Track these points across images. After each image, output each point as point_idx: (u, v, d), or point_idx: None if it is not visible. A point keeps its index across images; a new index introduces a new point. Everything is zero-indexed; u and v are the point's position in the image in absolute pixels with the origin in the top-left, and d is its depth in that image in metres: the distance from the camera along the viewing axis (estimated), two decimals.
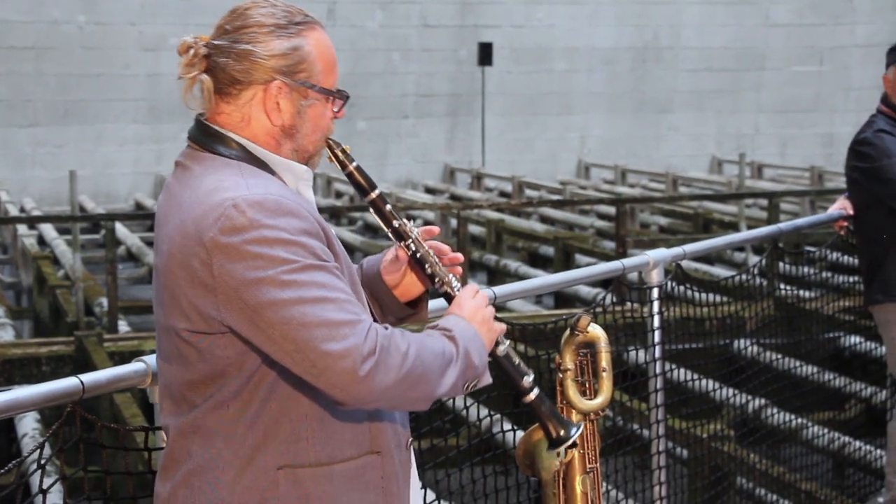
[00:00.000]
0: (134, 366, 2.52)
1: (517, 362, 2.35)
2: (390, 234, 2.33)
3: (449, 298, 2.31)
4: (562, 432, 2.42)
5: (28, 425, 6.70)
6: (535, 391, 2.36)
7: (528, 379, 2.35)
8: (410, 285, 2.40)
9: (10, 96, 18.29)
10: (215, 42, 2.15)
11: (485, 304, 2.28)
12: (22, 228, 13.37)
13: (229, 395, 2.08)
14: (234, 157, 2.14)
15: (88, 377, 2.44)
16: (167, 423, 2.17)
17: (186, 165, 2.16)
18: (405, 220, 2.33)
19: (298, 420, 2.10)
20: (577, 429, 2.45)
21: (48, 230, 14.34)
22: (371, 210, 2.33)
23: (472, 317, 2.24)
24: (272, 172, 2.15)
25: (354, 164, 2.28)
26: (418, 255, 2.32)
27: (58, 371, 7.75)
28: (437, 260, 2.33)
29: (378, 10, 20.39)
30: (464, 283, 2.35)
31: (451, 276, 2.33)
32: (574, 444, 2.56)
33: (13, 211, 15.98)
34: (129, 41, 18.67)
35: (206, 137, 2.17)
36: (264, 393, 2.08)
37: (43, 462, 2.35)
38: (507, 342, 2.35)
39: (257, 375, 2.08)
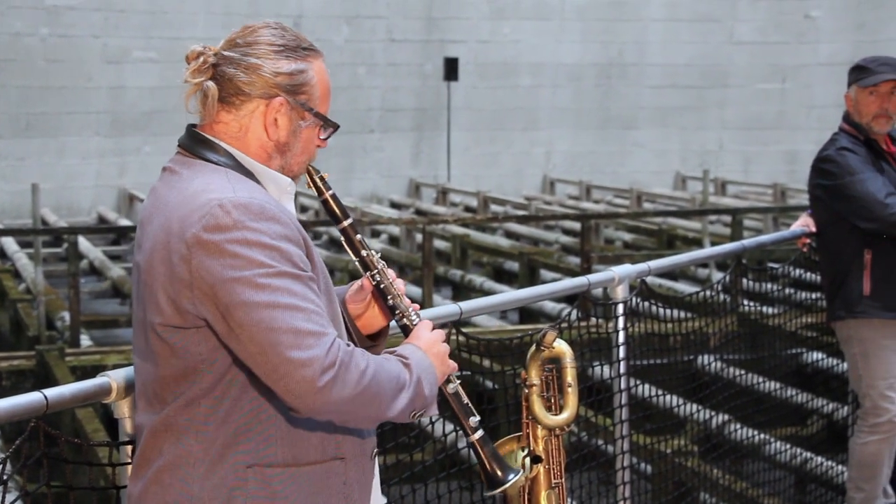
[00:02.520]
0: (98, 380, 2.50)
1: (465, 402, 2.41)
2: (357, 264, 2.40)
3: (407, 330, 2.38)
4: (499, 475, 2.44)
5: None
6: (480, 432, 2.42)
7: (475, 420, 2.41)
8: (372, 318, 2.46)
9: None
10: (225, 53, 2.25)
11: (441, 339, 2.36)
12: None
13: (201, 393, 2.14)
14: (223, 164, 2.22)
15: (52, 392, 2.42)
16: (141, 421, 2.22)
17: (175, 170, 2.24)
18: (373, 252, 2.40)
19: (269, 420, 2.16)
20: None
21: (9, 243, 14.22)
22: (342, 238, 2.40)
23: (428, 349, 2.31)
24: (257, 182, 2.23)
25: (331, 191, 2.38)
26: (381, 286, 2.39)
27: (18, 386, 7.68)
28: (399, 293, 2.39)
29: (344, 25, 20.39)
30: (429, 300, 2.39)
31: (410, 309, 2.40)
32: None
33: None
34: (93, 54, 18.56)
35: (196, 144, 2.25)
36: (236, 392, 2.14)
37: (5, 478, 2.32)
38: (457, 381, 2.41)
39: (230, 374, 2.13)
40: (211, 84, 2.24)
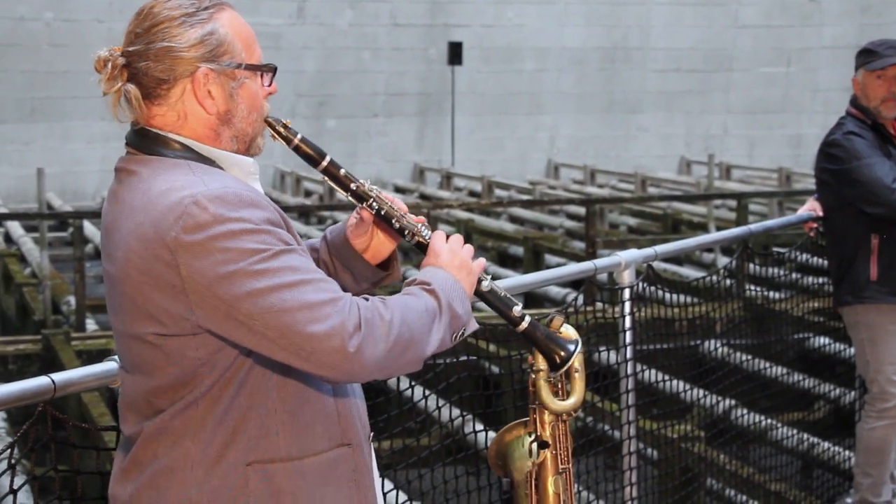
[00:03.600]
0: (105, 365, 2.51)
1: (503, 294, 2.36)
2: (350, 198, 2.30)
3: (422, 247, 2.30)
4: (562, 353, 2.45)
5: None
6: (527, 319, 2.37)
7: (517, 308, 2.36)
8: (379, 246, 2.38)
9: None
10: (130, 49, 2.12)
11: (460, 247, 2.28)
12: None
13: (199, 395, 2.04)
14: (181, 156, 2.10)
15: (60, 376, 2.42)
16: (132, 432, 2.11)
17: (131, 170, 2.11)
18: (362, 182, 2.30)
19: (268, 414, 2.07)
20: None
21: (15, 228, 14.23)
22: (326, 178, 2.29)
23: (449, 263, 2.23)
24: (220, 168, 2.12)
25: (299, 136, 2.25)
26: (383, 212, 2.29)
27: (24, 370, 7.70)
28: (402, 213, 2.31)
29: (348, 9, 20.35)
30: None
31: (419, 225, 2.32)
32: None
33: None
34: (97, 38, 18.51)
35: (146, 141, 2.13)
36: (233, 389, 2.05)
37: (13, 462, 2.32)
38: (489, 277, 2.35)
39: (229, 372, 2.04)
40: (130, 86, 2.10)
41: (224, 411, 2.05)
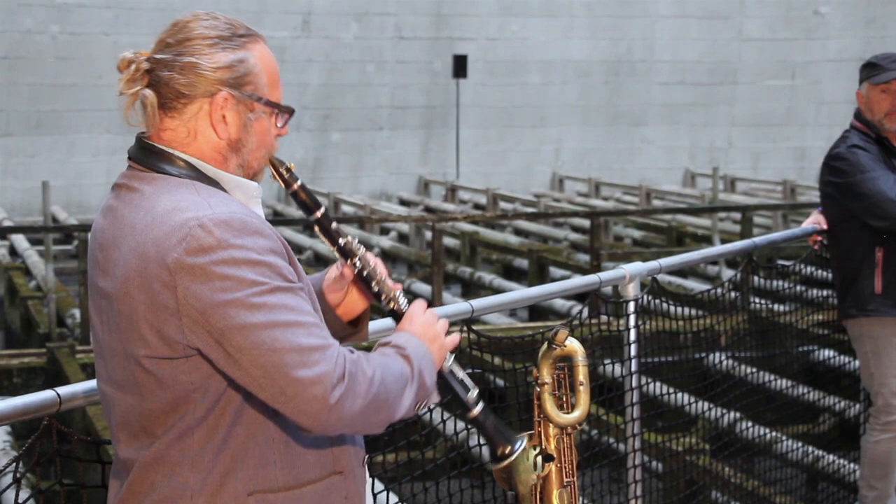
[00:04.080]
0: None
1: (461, 377, 2.34)
2: (336, 252, 2.29)
3: (396, 315, 2.30)
4: (507, 449, 2.41)
5: None
6: (480, 405, 2.34)
7: (473, 394, 2.34)
8: (352, 304, 2.37)
9: None
10: (157, 56, 2.11)
11: (435, 320, 2.27)
12: None
13: (194, 423, 2.02)
14: (185, 175, 2.08)
15: (65, 390, 2.42)
16: (127, 456, 2.08)
17: (132, 187, 2.09)
18: (350, 238, 2.29)
19: (266, 444, 2.06)
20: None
21: (20, 241, 14.24)
22: (316, 229, 2.29)
23: (423, 333, 2.23)
24: (223, 190, 2.11)
25: (299, 182, 2.23)
26: (364, 272, 2.28)
27: (29, 383, 7.70)
28: (383, 277, 2.30)
29: (353, 22, 20.39)
30: (439, 297, 2.34)
31: (397, 292, 2.31)
32: (547, 457, 2.55)
33: None
34: (103, 51, 18.59)
35: (150, 157, 2.11)
36: (231, 418, 2.03)
37: (18, 476, 2.33)
38: (452, 357, 2.33)
39: (223, 400, 2.02)
40: (148, 92, 2.09)
41: (223, 440, 2.03)
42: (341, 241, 2.27)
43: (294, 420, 1.97)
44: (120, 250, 2.03)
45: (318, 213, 2.26)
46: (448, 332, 2.31)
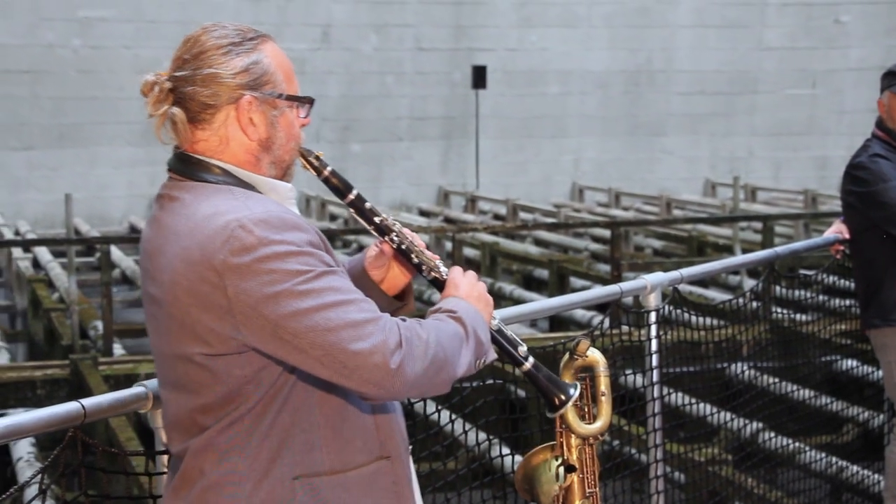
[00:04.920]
0: (135, 390, 2.52)
1: (509, 334, 2.42)
2: (373, 231, 2.39)
3: (438, 283, 2.37)
4: (562, 396, 2.50)
5: (23, 449, 6.67)
6: (531, 360, 2.43)
7: (523, 349, 2.43)
8: (395, 279, 2.45)
9: (5, 119, 18.31)
10: (177, 74, 2.21)
11: (475, 281, 2.36)
12: (17, 251, 13.34)
13: (244, 412, 2.11)
14: (222, 181, 2.18)
15: (89, 402, 2.44)
16: (178, 450, 2.18)
17: (173, 196, 2.19)
18: (385, 216, 2.38)
19: (311, 429, 2.14)
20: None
21: (43, 253, 14.31)
22: (351, 211, 2.38)
23: (468, 295, 2.31)
24: (259, 193, 2.20)
25: (329, 168, 2.35)
26: (403, 246, 2.38)
27: (52, 394, 7.73)
28: (421, 249, 2.39)
29: (372, 34, 20.44)
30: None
31: (437, 261, 2.39)
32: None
33: (8, 234, 15.94)
34: (124, 64, 18.68)
35: (188, 167, 2.21)
36: (278, 405, 2.12)
37: (44, 487, 2.34)
38: (497, 316, 2.42)
39: (273, 389, 2.11)
40: (176, 110, 2.20)
41: (269, 426, 2.12)
42: (377, 219, 2.37)
43: (361, 392, 2.06)
44: (165, 257, 2.13)
45: (352, 196, 2.36)
46: None
